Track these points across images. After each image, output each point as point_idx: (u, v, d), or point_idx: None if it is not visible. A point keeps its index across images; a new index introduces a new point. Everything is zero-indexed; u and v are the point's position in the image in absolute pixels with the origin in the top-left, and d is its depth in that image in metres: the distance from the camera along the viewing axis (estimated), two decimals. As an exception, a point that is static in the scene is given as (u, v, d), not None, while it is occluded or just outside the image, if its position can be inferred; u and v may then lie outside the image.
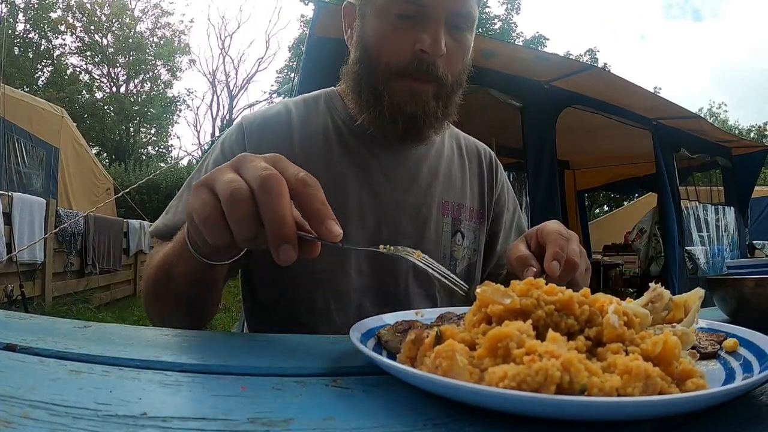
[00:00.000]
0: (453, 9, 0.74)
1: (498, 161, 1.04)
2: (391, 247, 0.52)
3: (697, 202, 4.97)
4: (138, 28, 20.22)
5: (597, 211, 16.03)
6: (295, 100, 0.91)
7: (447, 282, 0.53)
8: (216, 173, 0.46)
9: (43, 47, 18.17)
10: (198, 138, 21.40)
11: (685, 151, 4.68)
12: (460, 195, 0.93)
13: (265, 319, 0.87)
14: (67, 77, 18.63)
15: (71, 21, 18.65)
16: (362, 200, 0.83)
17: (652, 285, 0.46)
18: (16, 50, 16.73)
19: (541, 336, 0.34)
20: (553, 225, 0.67)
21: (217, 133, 18.96)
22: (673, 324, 0.43)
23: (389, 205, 0.85)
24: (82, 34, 18.99)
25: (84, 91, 19.02)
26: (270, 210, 0.42)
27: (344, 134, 0.86)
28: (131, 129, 20.07)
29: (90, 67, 19.77)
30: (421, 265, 0.51)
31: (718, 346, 0.44)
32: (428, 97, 0.77)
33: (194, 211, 0.46)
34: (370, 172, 0.85)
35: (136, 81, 20.66)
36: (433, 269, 0.52)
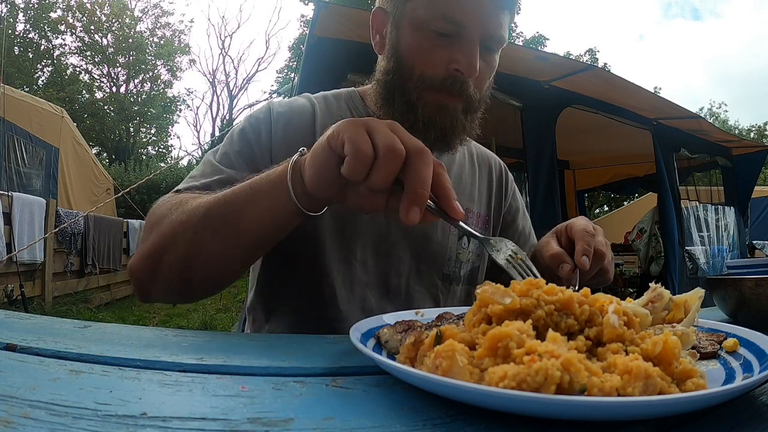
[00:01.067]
0: (488, 32, 0.76)
1: (508, 172, 1.07)
2: (495, 241, 0.58)
3: (697, 202, 4.97)
4: (138, 28, 20.23)
5: (597, 211, 16.03)
6: (317, 96, 0.92)
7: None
8: (373, 123, 0.51)
9: (43, 47, 18.17)
10: (198, 138, 21.41)
11: (685, 151, 4.68)
12: (468, 200, 0.96)
13: (270, 308, 0.87)
14: (67, 77, 18.64)
15: (71, 21, 18.65)
16: None
17: (652, 285, 0.46)
18: (16, 50, 16.74)
19: (541, 336, 0.34)
20: (581, 221, 0.75)
21: (217, 133, 18.97)
22: (673, 324, 0.43)
23: None
24: (82, 34, 18.99)
25: (84, 91, 19.03)
26: (417, 173, 0.49)
27: None
28: (131, 129, 20.07)
29: (90, 67, 19.78)
30: (506, 267, 0.55)
31: (718, 346, 0.44)
32: (457, 111, 0.80)
33: (354, 142, 0.50)
34: None
35: (136, 81, 20.67)
36: (520, 273, 0.55)
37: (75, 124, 7.71)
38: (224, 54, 21.10)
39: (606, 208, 16.15)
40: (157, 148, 22.19)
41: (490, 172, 1.02)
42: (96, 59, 19.63)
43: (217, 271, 0.66)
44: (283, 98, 0.95)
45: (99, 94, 19.68)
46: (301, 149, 0.59)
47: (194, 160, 14.74)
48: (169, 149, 22.97)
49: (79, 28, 18.85)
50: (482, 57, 0.78)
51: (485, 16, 0.75)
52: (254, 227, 0.61)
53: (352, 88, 0.95)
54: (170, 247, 0.64)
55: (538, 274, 0.54)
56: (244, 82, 21.40)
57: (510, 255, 0.56)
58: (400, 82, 0.80)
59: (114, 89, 20.10)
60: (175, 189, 0.76)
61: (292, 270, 0.83)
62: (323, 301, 0.81)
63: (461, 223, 0.54)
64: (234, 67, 22.60)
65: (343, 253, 0.82)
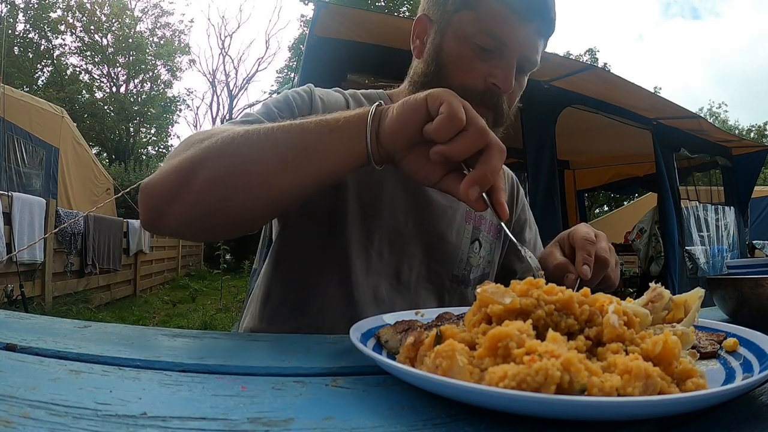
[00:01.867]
0: (526, 55, 0.81)
1: (520, 186, 1.11)
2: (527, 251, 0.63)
3: (697, 202, 4.97)
4: (138, 28, 20.21)
5: (597, 211, 16.03)
6: (350, 92, 0.94)
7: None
8: (468, 105, 0.55)
9: (43, 47, 18.16)
10: (198, 138, 21.32)
11: (685, 151, 4.68)
12: None
13: (281, 293, 0.88)
14: (67, 77, 18.63)
15: (71, 21, 18.64)
16: (395, 195, 0.87)
17: (652, 285, 0.46)
18: (16, 50, 16.73)
19: (541, 336, 0.34)
20: (582, 229, 0.76)
21: (217, 133, 18.88)
22: (673, 324, 0.43)
23: (419, 201, 0.89)
24: (82, 34, 18.98)
25: (84, 91, 19.01)
26: (491, 160, 0.53)
27: None
28: (131, 129, 20.06)
29: (90, 67, 19.76)
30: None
31: (718, 345, 0.44)
32: (488, 122, 0.81)
33: (453, 107, 0.52)
34: None
35: (136, 81, 20.65)
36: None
37: (75, 124, 7.70)
38: (224, 54, 21.08)
39: (606, 208, 16.15)
40: (157, 148, 22.20)
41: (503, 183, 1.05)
42: (96, 59, 19.62)
43: (261, 199, 0.61)
44: None
45: (99, 94, 19.67)
46: (379, 101, 0.61)
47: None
48: (169, 149, 22.88)
49: (79, 28, 18.84)
50: (516, 77, 0.82)
51: (526, 39, 0.79)
52: (318, 163, 0.59)
53: (382, 90, 0.97)
54: (215, 159, 0.59)
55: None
56: (244, 82, 21.39)
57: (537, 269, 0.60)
58: (437, 86, 0.82)
59: (114, 89, 20.10)
60: (244, 114, 0.76)
61: (314, 247, 0.85)
62: (339, 283, 0.83)
63: (503, 224, 0.58)
64: (234, 67, 22.62)
65: (363, 241, 0.85)
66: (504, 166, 1.06)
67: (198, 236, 0.75)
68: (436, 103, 0.54)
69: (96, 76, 19.99)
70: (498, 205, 0.56)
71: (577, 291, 0.70)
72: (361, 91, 0.96)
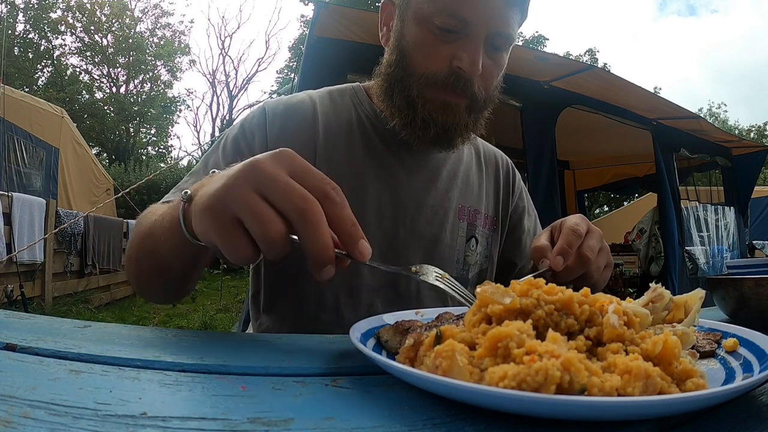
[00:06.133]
0: (495, 30, 0.74)
1: (515, 170, 1.04)
2: (417, 268, 0.53)
3: (697, 202, 4.97)
4: (138, 29, 20.24)
5: (597, 211, 16.03)
6: (320, 91, 0.90)
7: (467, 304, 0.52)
8: (236, 194, 0.43)
9: (43, 47, 18.17)
10: (198, 138, 21.39)
11: (685, 151, 4.68)
12: (477, 201, 0.94)
13: (271, 311, 0.86)
14: (67, 77, 18.63)
15: (71, 21, 18.66)
16: (381, 199, 0.83)
17: (652, 285, 0.46)
18: (16, 50, 16.74)
19: (541, 336, 0.34)
20: (573, 219, 0.71)
21: (217, 133, 18.95)
22: (673, 324, 0.43)
23: (408, 206, 0.84)
24: (82, 35, 19.00)
25: (84, 92, 19.02)
26: (312, 242, 0.42)
27: (368, 131, 0.86)
28: (131, 129, 20.06)
29: (90, 67, 19.78)
30: (442, 287, 0.52)
31: (716, 344, 0.44)
32: (461, 110, 0.78)
33: (224, 246, 0.44)
34: (392, 171, 0.85)
35: (136, 81, 20.67)
36: (455, 290, 0.52)
37: (75, 124, 7.70)
38: (224, 54, 21.09)
39: (606, 208, 16.14)
40: (157, 149, 22.21)
41: (497, 171, 1.00)
42: (96, 59, 19.63)
43: (162, 289, 0.68)
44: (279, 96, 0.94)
45: (99, 95, 19.69)
46: (184, 192, 0.52)
47: (194, 160, 14.72)
48: (169, 149, 22.95)
49: (79, 29, 18.86)
50: (489, 55, 0.76)
51: (491, 13, 0.73)
52: (172, 260, 0.59)
53: (357, 83, 0.93)
54: (128, 262, 0.69)
55: (466, 291, 0.53)
56: (244, 82, 21.40)
57: (437, 275, 0.53)
58: (401, 76, 0.79)
59: (114, 89, 20.11)
60: (164, 198, 0.75)
61: (295, 276, 0.81)
62: (327, 310, 0.80)
63: (370, 263, 0.48)
64: (234, 68, 22.57)
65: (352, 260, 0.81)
66: (495, 150, 1.04)
67: (161, 302, 0.86)
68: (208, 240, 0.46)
69: (96, 77, 20.01)
70: (354, 254, 0.46)
71: (552, 280, 0.68)
72: (337, 86, 0.92)
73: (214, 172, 0.53)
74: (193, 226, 0.48)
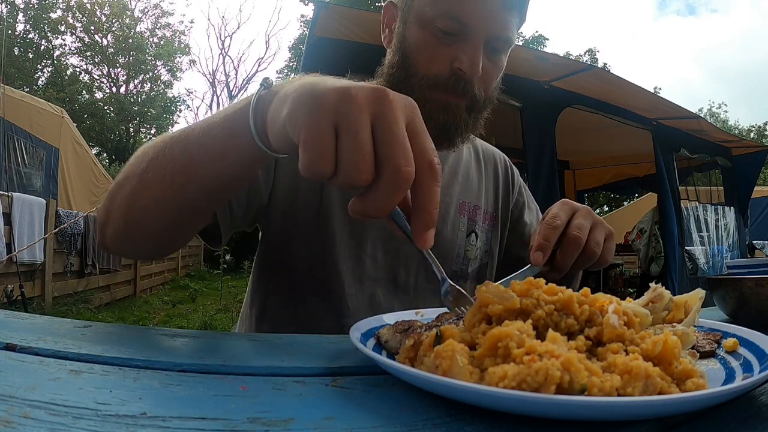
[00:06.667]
0: (494, 33, 0.76)
1: (513, 167, 1.06)
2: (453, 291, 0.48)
3: (697, 202, 4.97)
4: (138, 29, 20.23)
5: (597, 211, 16.02)
6: None
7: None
8: (354, 109, 0.38)
9: (43, 47, 18.17)
10: (198, 138, 21.31)
11: (685, 151, 4.69)
12: (476, 197, 0.96)
13: (274, 302, 0.86)
14: (67, 77, 18.63)
15: (71, 21, 18.65)
16: None
17: (652, 285, 0.46)
18: (16, 50, 16.73)
19: (541, 336, 0.34)
20: (552, 210, 0.70)
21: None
22: (674, 324, 0.43)
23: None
24: (82, 35, 18.99)
25: (84, 92, 19.01)
26: (377, 203, 0.39)
27: None
28: (131, 129, 20.06)
29: (90, 67, 19.77)
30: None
31: (716, 344, 0.44)
32: (461, 110, 0.79)
33: (308, 149, 0.39)
34: None
35: (136, 81, 20.66)
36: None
37: (75, 124, 7.70)
38: (224, 54, 21.10)
39: (606, 208, 16.15)
40: (157, 149, 22.14)
41: (496, 168, 1.03)
42: (96, 59, 19.63)
43: (156, 223, 0.59)
44: None
45: (99, 95, 19.69)
46: (264, 79, 0.50)
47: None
48: (169, 149, 22.89)
49: (79, 29, 18.85)
50: (488, 57, 0.78)
51: (491, 16, 0.75)
52: (203, 175, 0.53)
53: (362, 81, 0.94)
54: (120, 186, 0.59)
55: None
56: (244, 82, 21.40)
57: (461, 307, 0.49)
58: (404, 77, 0.80)
59: (114, 89, 20.10)
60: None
61: (301, 265, 0.82)
62: (331, 296, 0.81)
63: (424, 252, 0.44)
64: (234, 68, 22.65)
65: (353, 249, 0.82)
66: (493, 149, 1.05)
67: (133, 256, 0.71)
68: (296, 135, 0.40)
69: (96, 77, 20.01)
70: (416, 238, 0.41)
71: (555, 271, 0.67)
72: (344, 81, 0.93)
73: (267, 78, 0.48)
74: (277, 117, 0.43)
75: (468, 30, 0.75)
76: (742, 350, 0.42)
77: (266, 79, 0.49)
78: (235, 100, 0.54)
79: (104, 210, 0.62)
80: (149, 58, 20.44)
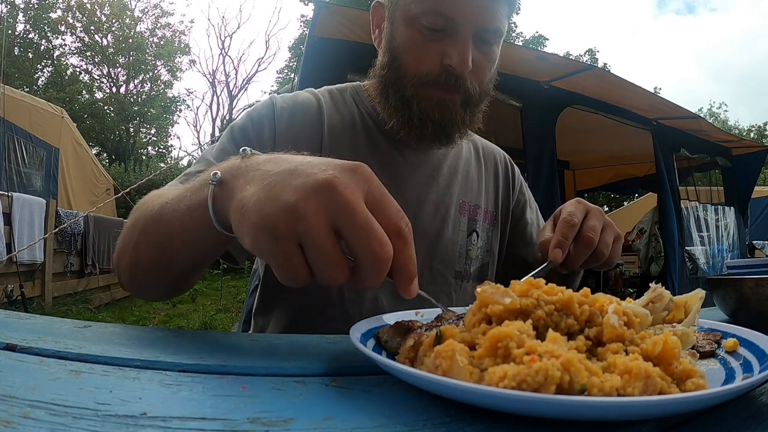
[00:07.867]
0: (482, 25, 0.75)
1: (514, 165, 1.06)
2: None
3: (697, 202, 4.97)
4: (138, 29, 20.24)
5: (597, 211, 15.99)
6: (321, 90, 0.91)
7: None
8: (308, 224, 0.38)
9: (43, 47, 18.17)
10: (198, 138, 21.38)
11: (685, 151, 4.68)
12: (477, 196, 0.95)
13: (275, 305, 0.86)
14: (67, 77, 18.63)
15: (71, 21, 18.66)
16: None
17: (652, 285, 0.46)
18: (16, 50, 16.74)
19: (541, 336, 0.34)
20: (567, 208, 0.74)
21: (217, 134, 18.93)
22: (674, 324, 0.43)
23: (411, 202, 0.86)
24: (82, 35, 19.00)
25: (84, 92, 19.02)
26: (369, 284, 0.40)
27: (371, 129, 0.87)
28: (131, 129, 20.06)
29: (90, 67, 19.78)
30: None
31: (716, 344, 0.44)
32: (456, 106, 0.79)
33: (278, 268, 0.40)
34: (395, 167, 0.86)
35: (136, 81, 20.67)
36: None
37: (75, 124, 7.71)
38: (224, 54, 21.08)
39: (606, 208, 16.15)
40: (157, 149, 22.20)
41: (496, 166, 1.02)
42: (96, 59, 19.63)
43: (161, 284, 0.61)
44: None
45: (99, 95, 19.69)
46: (243, 150, 0.48)
47: (194, 160, 14.71)
48: (169, 149, 22.95)
49: (79, 29, 18.86)
50: (480, 50, 0.77)
51: (477, 8, 0.74)
52: (182, 249, 0.54)
53: (357, 82, 0.94)
54: (122, 252, 0.61)
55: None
56: (244, 82, 21.38)
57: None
58: (395, 77, 0.80)
59: (114, 89, 20.11)
60: (169, 185, 0.71)
61: None
62: (332, 304, 0.80)
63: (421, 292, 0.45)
64: (234, 68, 22.55)
65: None
66: (494, 146, 1.05)
67: (158, 299, 0.72)
68: (264, 253, 0.41)
69: (96, 77, 20.02)
70: (403, 291, 0.42)
71: (563, 267, 0.69)
72: (337, 85, 0.93)
73: (245, 150, 0.48)
74: (236, 228, 0.43)
75: (455, 25, 0.74)
76: (742, 350, 0.42)
77: (215, 174, 0.47)
78: (188, 182, 0.54)
79: (115, 267, 0.64)
80: (149, 58, 20.45)
